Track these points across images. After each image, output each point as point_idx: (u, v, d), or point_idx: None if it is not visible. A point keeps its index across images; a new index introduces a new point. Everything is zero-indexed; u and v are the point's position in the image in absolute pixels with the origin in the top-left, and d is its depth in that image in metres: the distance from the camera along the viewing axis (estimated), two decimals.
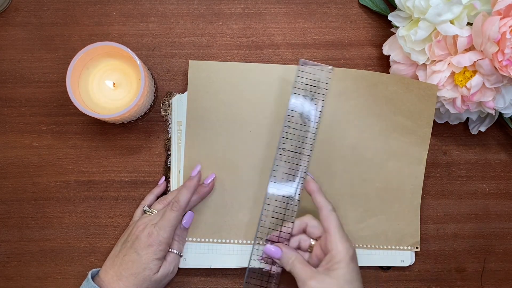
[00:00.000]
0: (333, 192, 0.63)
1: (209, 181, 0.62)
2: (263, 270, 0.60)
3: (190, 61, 0.62)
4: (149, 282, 0.56)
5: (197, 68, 0.62)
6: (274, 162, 0.60)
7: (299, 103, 0.61)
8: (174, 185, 0.63)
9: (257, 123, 0.63)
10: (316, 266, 0.57)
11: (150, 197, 0.63)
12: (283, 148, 0.60)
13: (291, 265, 0.56)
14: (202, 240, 0.62)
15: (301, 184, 0.60)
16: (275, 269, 0.60)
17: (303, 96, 0.61)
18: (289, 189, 0.60)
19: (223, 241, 0.62)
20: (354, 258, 0.55)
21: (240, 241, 0.62)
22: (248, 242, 0.62)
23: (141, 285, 0.56)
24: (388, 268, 0.65)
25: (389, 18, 0.63)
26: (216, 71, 0.62)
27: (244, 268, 0.61)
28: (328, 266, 0.55)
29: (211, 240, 0.62)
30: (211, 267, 0.62)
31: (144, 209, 0.61)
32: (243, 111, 0.63)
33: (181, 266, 0.62)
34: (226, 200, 0.62)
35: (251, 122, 0.63)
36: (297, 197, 0.60)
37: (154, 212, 0.60)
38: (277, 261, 0.58)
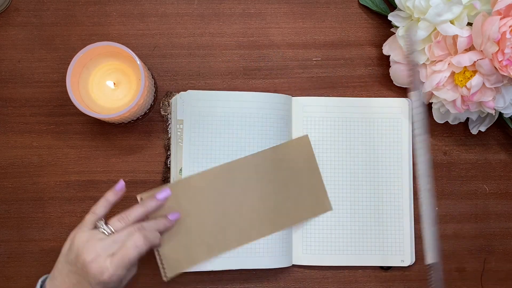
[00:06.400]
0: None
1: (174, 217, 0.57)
2: None
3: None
4: None
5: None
6: None
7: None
8: None
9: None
10: None
11: (103, 206, 0.53)
12: None
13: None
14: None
15: None
16: None
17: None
18: None
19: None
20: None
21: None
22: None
23: None
24: (388, 268, 0.65)
25: (389, 18, 0.63)
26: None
27: (246, 269, 0.61)
28: None
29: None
30: (213, 269, 0.62)
31: (99, 225, 0.51)
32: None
33: (183, 270, 0.61)
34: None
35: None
36: None
37: (108, 232, 0.51)
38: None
